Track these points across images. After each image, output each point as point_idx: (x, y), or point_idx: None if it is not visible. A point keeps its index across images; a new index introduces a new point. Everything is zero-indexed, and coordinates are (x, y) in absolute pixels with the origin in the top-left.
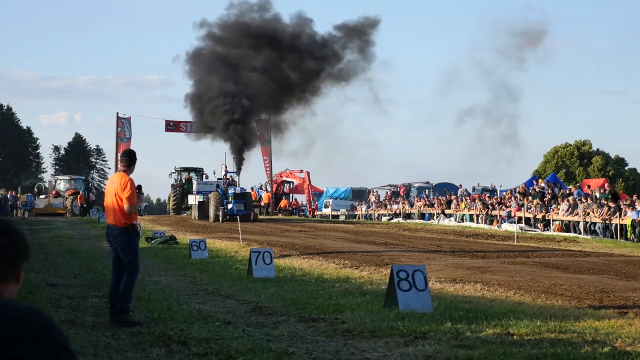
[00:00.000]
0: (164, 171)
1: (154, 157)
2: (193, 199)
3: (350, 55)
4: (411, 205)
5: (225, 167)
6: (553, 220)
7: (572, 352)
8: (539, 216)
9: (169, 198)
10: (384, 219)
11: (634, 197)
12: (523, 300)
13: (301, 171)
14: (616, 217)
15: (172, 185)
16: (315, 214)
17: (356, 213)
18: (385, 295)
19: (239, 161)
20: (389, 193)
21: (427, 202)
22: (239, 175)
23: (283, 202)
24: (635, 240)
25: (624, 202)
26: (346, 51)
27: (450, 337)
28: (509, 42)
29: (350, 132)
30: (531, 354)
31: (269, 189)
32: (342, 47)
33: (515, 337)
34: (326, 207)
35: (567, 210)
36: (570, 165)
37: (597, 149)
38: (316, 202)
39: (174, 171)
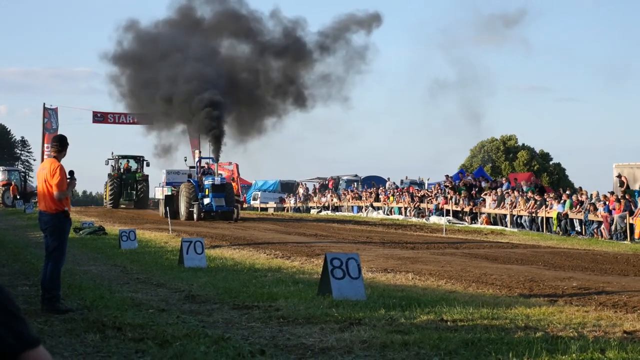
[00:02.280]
0: (91, 163)
1: (81, 148)
2: (160, 192)
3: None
4: (340, 198)
5: (199, 152)
6: (480, 213)
7: (506, 337)
8: (467, 209)
9: (105, 189)
10: (313, 211)
11: (560, 191)
12: (454, 289)
13: (230, 163)
14: (542, 210)
15: (109, 175)
16: (244, 206)
17: (285, 206)
18: (319, 283)
19: (217, 147)
20: (317, 186)
21: (356, 195)
22: (217, 163)
23: None
24: (560, 233)
25: (550, 196)
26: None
27: (384, 323)
28: (443, 40)
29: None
30: (466, 338)
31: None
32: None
33: (449, 323)
34: (255, 199)
35: (495, 203)
36: (497, 160)
37: (523, 144)
38: (245, 195)
39: (111, 158)
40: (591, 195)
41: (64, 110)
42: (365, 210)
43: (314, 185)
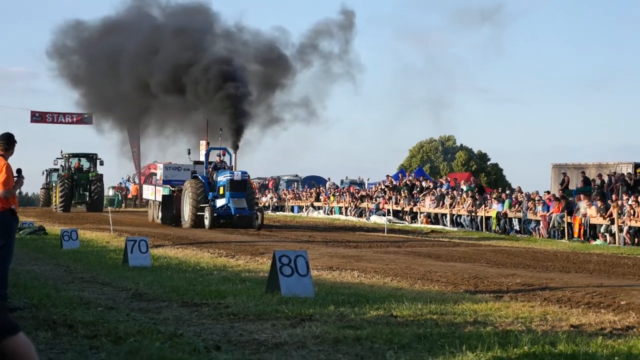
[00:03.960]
0: (29, 165)
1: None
2: (151, 193)
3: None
4: (280, 198)
5: (208, 143)
6: (420, 213)
7: (457, 331)
8: (407, 208)
9: (55, 191)
10: None
11: (500, 190)
12: (401, 286)
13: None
14: (481, 209)
15: (59, 176)
16: None
17: None
18: (267, 281)
19: (238, 133)
20: (257, 185)
21: (296, 195)
22: (235, 154)
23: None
24: (499, 232)
25: (491, 195)
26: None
27: (335, 319)
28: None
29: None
30: (417, 333)
31: (137, 180)
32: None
33: (399, 318)
34: None
35: (434, 203)
36: (435, 160)
37: (461, 145)
38: None
39: (60, 157)
40: (530, 194)
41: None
42: (306, 210)
43: (254, 185)
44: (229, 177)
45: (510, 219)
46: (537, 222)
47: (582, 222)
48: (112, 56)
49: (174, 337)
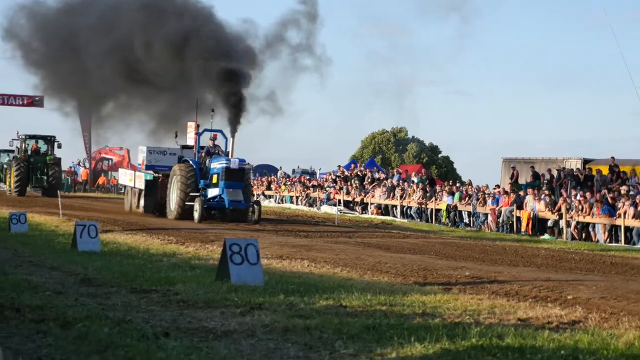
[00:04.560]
0: None
1: None
2: (129, 178)
3: None
4: None
5: (198, 125)
6: (371, 204)
7: (406, 322)
8: (358, 199)
9: (10, 174)
10: None
11: (450, 183)
12: (351, 276)
13: (121, 148)
14: (432, 201)
15: (15, 158)
16: None
17: None
18: (218, 269)
19: (237, 114)
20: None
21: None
22: (233, 139)
23: (101, 179)
24: (449, 224)
25: (442, 188)
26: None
27: (285, 308)
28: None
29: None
30: (366, 323)
31: (87, 165)
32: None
33: (348, 309)
34: None
35: (385, 194)
36: (387, 151)
37: (413, 137)
38: None
39: (16, 138)
40: (480, 188)
41: None
42: (257, 198)
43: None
44: (224, 165)
45: (460, 211)
46: (487, 215)
47: (531, 216)
48: (71, 36)
49: (122, 323)
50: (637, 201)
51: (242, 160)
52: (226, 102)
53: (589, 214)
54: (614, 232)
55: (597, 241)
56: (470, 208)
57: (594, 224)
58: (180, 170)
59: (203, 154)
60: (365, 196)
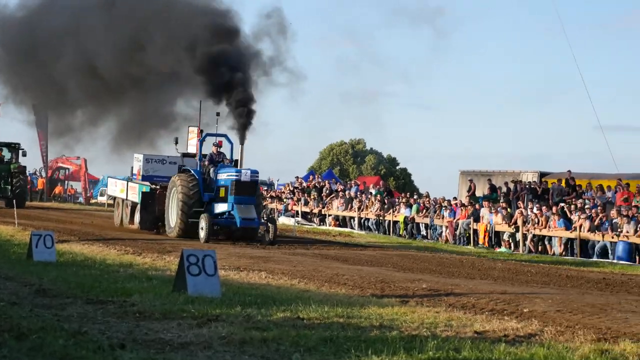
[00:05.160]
0: None
1: None
2: (121, 189)
3: None
4: None
5: (201, 131)
6: (329, 215)
7: (363, 335)
8: (316, 210)
9: None
10: None
11: (408, 195)
12: (308, 288)
13: (78, 158)
14: (389, 213)
15: None
16: (91, 201)
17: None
18: (175, 280)
19: (246, 121)
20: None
21: None
22: (242, 147)
23: (58, 189)
24: (407, 236)
25: (399, 200)
26: None
27: (242, 319)
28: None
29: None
30: (323, 336)
31: (43, 174)
32: None
33: (305, 321)
34: (102, 195)
35: (343, 206)
36: (345, 163)
37: (371, 148)
38: (92, 190)
39: None
40: (437, 200)
41: None
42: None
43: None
44: (234, 177)
45: (418, 223)
46: (444, 227)
47: (488, 229)
48: (32, 41)
49: (77, 334)
50: (593, 215)
51: (254, 172)
52: (235, 104)
53: (545, 227)
54: (570, 245)
55: (553, 254)
56: (427, 220)
57: (550, 237)
58: (181, 181)
59: (206, 163)
60: (323, 208)
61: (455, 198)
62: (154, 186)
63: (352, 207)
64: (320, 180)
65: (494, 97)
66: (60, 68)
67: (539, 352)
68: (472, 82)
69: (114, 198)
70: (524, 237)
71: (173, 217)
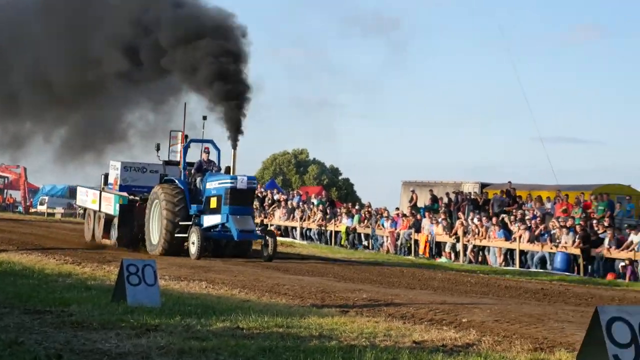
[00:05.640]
0: None
1: None
2: (93, 200)
3: None
4: None
5: (186, 136)
6: (271, 225)
7: (302, 344)
8: (258, 220)
9: None
10: None
11: (350, 205)
12: (248, 297)
13: (17, 167)
14: (331, 223)
15: None
16: (30, 210)
17: (73, 211)
18: (114, 290)
19: (237, 125)
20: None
21: None
22: (234, 151)
23: None
24: (348, 246)
25: (341, 210)
26: None
27: (181, 329)
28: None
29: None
30: (262, 346)
31: None
32: None
33: (245, 331)
34: (42, 204)
35: (285, 216)
36: (287, 173)
37: (314, 158)
38: (31, 199)
39: None
40: (378, 210)
41: None
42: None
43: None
44: (229, 185)
45: (359, 234)
46: (386, 237)
47: (429, 239)
48: None
49: (14, 344)
50: (532, 225)
51: (251, 178)
52: (226, 105)
53: (485, 238)
54: (510, 255)
55: (493, 264)
56: (369, 230)
57: (490, 248)
58: (164, 193)
59: (193, 171)
60: (265, 217)
61: (397, 208)
62: (132, 197)
63: (294, 217)
64: (262, 190)
65: (438, 108)
66: (5, 78)
67: None
68: (417, 94)
69: (84, 209)
70: (464, 247)
71: (155, 232)
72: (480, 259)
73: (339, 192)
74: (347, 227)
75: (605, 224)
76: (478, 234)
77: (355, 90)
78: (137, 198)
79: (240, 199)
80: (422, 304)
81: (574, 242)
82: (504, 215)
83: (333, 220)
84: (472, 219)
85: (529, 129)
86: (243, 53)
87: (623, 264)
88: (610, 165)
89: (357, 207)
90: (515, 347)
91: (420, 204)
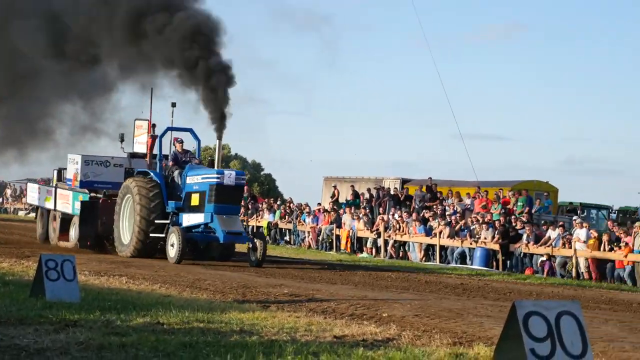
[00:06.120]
0: None
1: None
2: (47, 197)
3: None
4: None
5: (153, 125)
6: None
7: (223, 340)
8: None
9: None
10: (21, 213)
11: (271, 200)
12: (169, 293)
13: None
14: (253, 218)
15: None
16: None
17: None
18: (32, 285)
19: (221, 109)
20: (24, 187)
21: None
22: (220, 141)
23: None
24: (270, 241)
25: (263, 205)
26: None
27: (101, 325)
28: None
29: None
30: (183, 341)
31: None
32: None
33: (165, 326)
34: None
35: None
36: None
37: (236, 154)
38: None
39: None
40: (300, 206)
41: None
42: (29, 210)
43: (21, 186)
44: (214, 180)
45: (281, 229)
46: (308, 233)
47: (350, 234)
48: None
49: None
50: (452, 221)
51: (240, 174)
52: (208, 88)
53: (406, 233)
54: (430, 251)
55: (414, 260)
56: (290, 226)
57: (410, 243)
58: (138, 187)
59: (171, 163)
60: None
61: (319, 204)
62: (94, 194)
63: None
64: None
65: (362, 105)
66: None
67: (396, 356)
68: (342, 91)
69: (36, 208)
70: (385, 243)
71: (126, 232)
72: (401, 254)
73: (261, 187)
74: (269, 222)
75: (524, 219)
76: (399, 229)
77: (281, 87)
78: (99, 195)
79: (227, 197)
80: (343, 299)
81: (493, 237)
82: (424, 211)
83: (255, 216)
84: (393, 215)
85: (450, 126)
86: (217, 30)
87: (541, 259)
88: (529, 162)
89: (278, 202)
90: (434, 342)
91: (341, 200)
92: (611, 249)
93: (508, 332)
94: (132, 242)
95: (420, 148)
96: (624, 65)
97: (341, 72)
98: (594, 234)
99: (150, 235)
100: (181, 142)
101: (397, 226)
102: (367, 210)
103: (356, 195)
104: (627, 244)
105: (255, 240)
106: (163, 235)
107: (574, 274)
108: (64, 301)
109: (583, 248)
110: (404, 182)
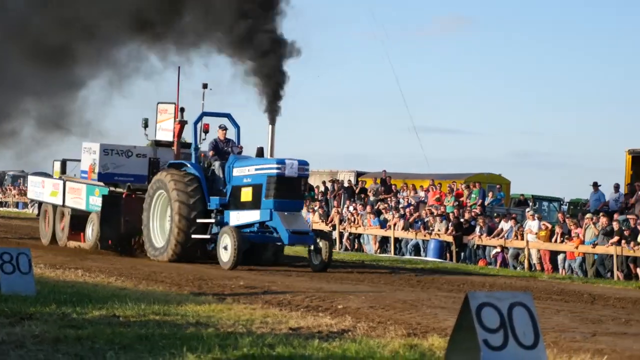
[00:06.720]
0: None
1: None
2: (51, 191)
3: None
4: (5, 194)
5: (181, 109)
6: None
7: (179, 332)
8: None
9: None
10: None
11: None
12: (125, 285)
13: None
14: None
15: None
16: None
17: None
18: None
19: (275, 94)
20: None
21: (22, 191)
22: (273, 126)
23: None
24: None
25: None
26: None
27: (56, 318)
28: None
29: None
30: (139, 333)
31: None
32: None
33: (121, 318)
34: None
35: None
36: None
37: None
38: None
39: None
40: None
41: None
42: (32, 206)
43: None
44: (274, 171)
45: None
46: None
47: None
48: None
49: None
50: (407, 213)
51: (303, 162)
52: (261, 69)
53: (360, 226)
54: (385, 243)
55: (369, 252)
56: None
57: (365, 235)
58: (174, 181)
59: (210, 154)
60: None
61: None
62: (114, 189)
63: None
64: None
65: (315, 98)
66: None
67: (351, 347)
68: (294, 84)
69: (39, 204)
70: (341, 235)
71: (158, 233)
72: (356, 246)
73: None
74: None
75: (477, 212)
76: (354, 222)
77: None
78: (119, 189)
79: (289, 191)
80: (299, 291)
81: (446, 229)
82: (379, 204)
83: None
84: (347, 207)
85: (404, 119)
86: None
87: (494, 251)
88: (482, 155)
89: None
90: (389, 333)
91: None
92: (562, 241)
93: (461, 323)
94: (170, 245)
95: (374, 141)
96: (575, 59)
97: (294, 64)
98: (546, 225)
99: (192, 236)
100: (225, 128)
101: (352, 219)
102: (323, 203)
103: (311, 188)
104: (578, 235)
105: (319, 240)
106: (207, 236)
107: (526, 265)
108: (20, 294)
109: (535, 240)
110: (359, 175)
